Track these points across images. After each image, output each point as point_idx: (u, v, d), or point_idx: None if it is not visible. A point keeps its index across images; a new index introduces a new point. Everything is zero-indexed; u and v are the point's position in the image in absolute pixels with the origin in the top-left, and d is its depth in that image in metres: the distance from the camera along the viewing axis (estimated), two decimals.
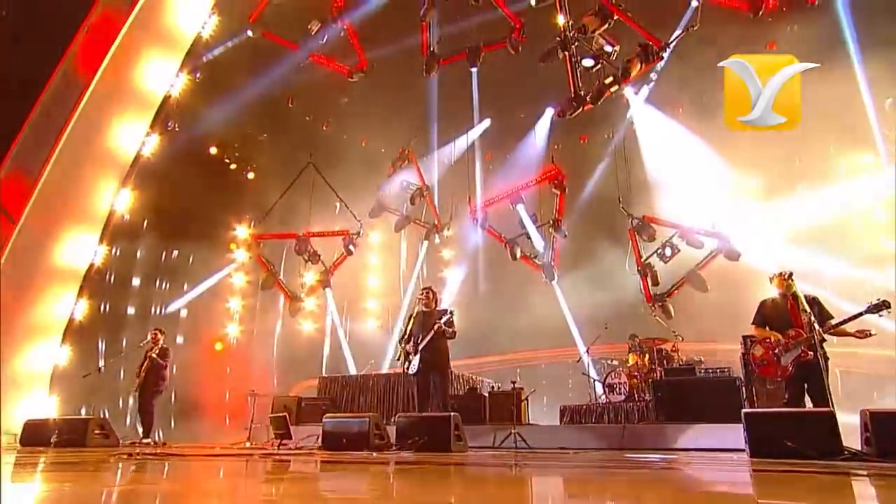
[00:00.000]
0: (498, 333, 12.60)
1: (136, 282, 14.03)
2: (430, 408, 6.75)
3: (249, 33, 11.28)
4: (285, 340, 15.89)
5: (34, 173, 10.72)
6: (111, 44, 10.35)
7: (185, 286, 15.02)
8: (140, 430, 9.13)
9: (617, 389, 9.66)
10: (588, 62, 9.23)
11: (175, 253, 14.87)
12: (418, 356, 6.76)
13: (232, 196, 15.78)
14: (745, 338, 8.60)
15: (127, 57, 10.59)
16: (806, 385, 5.76)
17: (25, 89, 10.49)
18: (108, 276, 12.80)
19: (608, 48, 9.06)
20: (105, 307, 12.94)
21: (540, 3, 8.79)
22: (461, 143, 14.80)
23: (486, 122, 15.55)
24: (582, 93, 9.92)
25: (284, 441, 7.33)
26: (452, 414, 5.99)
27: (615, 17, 8.53)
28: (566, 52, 9.63)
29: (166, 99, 11.41)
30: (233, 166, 15.60)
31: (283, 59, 12.22)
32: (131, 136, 11.36)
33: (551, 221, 11.96)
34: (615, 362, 10.09)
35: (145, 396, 8.96)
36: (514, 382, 9.04)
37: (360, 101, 14.55)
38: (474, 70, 11.28)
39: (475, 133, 15.23)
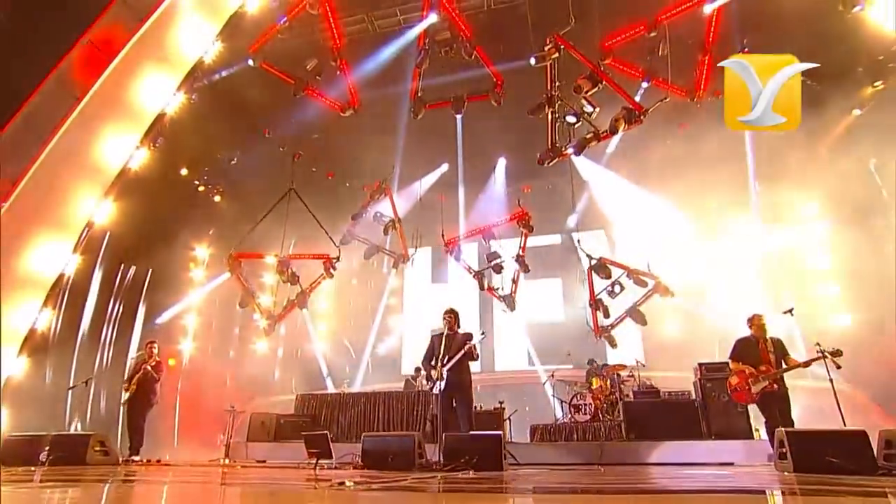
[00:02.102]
0: None
1: (92, 294, 12.65)
2: (453, 425, 6.41)
3: (250, 62, 10.66)
4: (241, 358, 14.91)
5: (14, 177, 9.49)
6: (114, 56, 9.45)
7: (142, 301, 13.79)
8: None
9: (582, 410, 9.75)
10: (571, 119, 9.52)
11: (133, 269, 13.63)
12: (444, 376, 6.45)
13: (197, 217, 14.80)
14: (700, 365, 9.04)
15: (128, 71, 9.70)
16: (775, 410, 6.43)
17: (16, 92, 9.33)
18: (65, 290, 11.52)
19: (589, 108, 9.40)
20: (59, 320, 11.55)
21: (538, 63, 8.98)
22: (426, 181, 14.82)
23: (444, 167, 15.70)
24: (558, 145, 10.26)
25: (322, 460, 6.44)
26: (501, 433, 5.73)
27: (603, 83, 8.88)
28: (550, 109, 9.90)
29: (160, 117, 10.52)
30: (201, 188, 14.63)
31: (275, 90, 11.66)
32: (120, 149, 10.34)
33: (515, 257, 12.08)
34: (579, 385, 10.19)
35: (136, 411, 7.93)
36: (501, 402, 8.88)
37: (332, 135, 14.22)
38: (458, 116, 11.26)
39: (437, 174, 15.35)
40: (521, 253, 12.01)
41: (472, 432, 6.10)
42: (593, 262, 11.36)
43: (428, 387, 6.66)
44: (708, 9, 9.35)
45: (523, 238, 12.01)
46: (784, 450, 4.84)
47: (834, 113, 10.82)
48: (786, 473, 4.68)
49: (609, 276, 11.27)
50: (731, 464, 7.64)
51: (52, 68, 9.54)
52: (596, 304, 11.56)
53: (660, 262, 12.18)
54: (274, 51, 10.99)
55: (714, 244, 12.76)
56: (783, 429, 5.06)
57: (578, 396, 9.83)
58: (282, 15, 10.64)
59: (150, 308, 13.88)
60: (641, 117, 8.73)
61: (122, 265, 13.43)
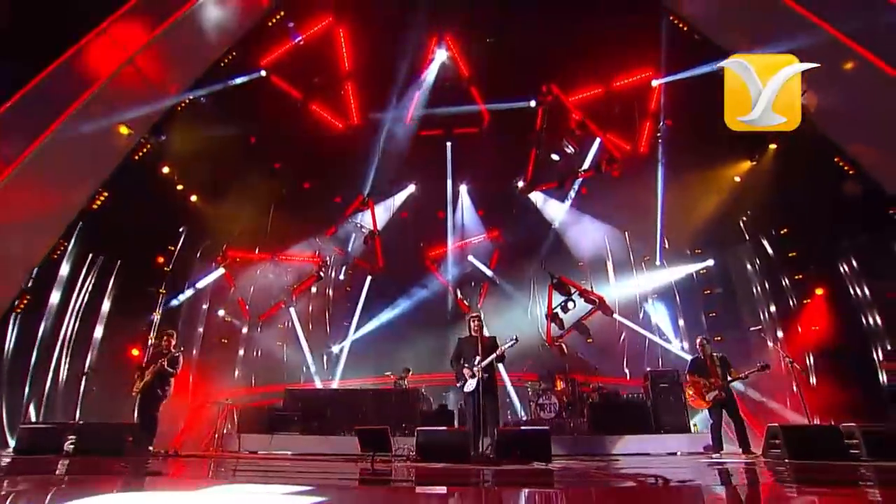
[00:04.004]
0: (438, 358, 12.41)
1: (57, 291, 11.36)
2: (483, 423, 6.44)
3: (262, 73, 10.29)
4: (218, 354, 13.90)
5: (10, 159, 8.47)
6: (133, 49, 8.75)
7: (108, 296, 12.54)
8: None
9: (547, 409, 10.13)
10: (555, 157, 10.06)
11: (101, 258, 12.38)
12: (476, 376, 6.54)
13: (172, 214, 13.71)
14: (650, 371, 9.81)
15: (145, 65, 9.00)
16: (726, 412, 7.51)
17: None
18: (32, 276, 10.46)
19: (569, 149, 10.02)
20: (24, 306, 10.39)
21: (538, 106, 9.47)
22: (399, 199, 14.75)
23: (412, 187, 15.69)
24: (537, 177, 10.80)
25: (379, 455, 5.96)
26: (546, 427, 5.90)
27: (587, 128, 9.52)
28: (534, 147, 10.41)
29: (168, 113, 9.84)
30: (179, 187, 13.61)
31: (279, 102, 11.25)
32: (124, 141, 9.54)
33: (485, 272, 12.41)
34: (544, 386, 10.53)
35: (148, 402, 7.17)
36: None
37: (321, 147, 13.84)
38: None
39: (404, 195, 15.29)
40: (489, 268, 12.38)
41: (522, 427, 6.22)
42: (554, 280, 11.92)
43: (459, 385, 6.71)
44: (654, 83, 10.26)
45: (492, 254, 12.40)
46: (777, 441, 5.50)
47: (722, 177, 12.18)
48: (785, 460, 5.30)
49: (567, 294, 11.87)
50: (675, 454, 8.39)
51: (62, 56, 8.70)
52: (552, 316, 12.11)
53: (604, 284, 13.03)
54: (286, 65, 10.70)
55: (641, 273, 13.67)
56: (777, 424, 5.75)
57: (543, 396, 10.18)
58: (296, 33, 10.41)
59: (116, 300, 12.64)
60: (618, 161, 9.42)
61: (91, 255, 12.22)
